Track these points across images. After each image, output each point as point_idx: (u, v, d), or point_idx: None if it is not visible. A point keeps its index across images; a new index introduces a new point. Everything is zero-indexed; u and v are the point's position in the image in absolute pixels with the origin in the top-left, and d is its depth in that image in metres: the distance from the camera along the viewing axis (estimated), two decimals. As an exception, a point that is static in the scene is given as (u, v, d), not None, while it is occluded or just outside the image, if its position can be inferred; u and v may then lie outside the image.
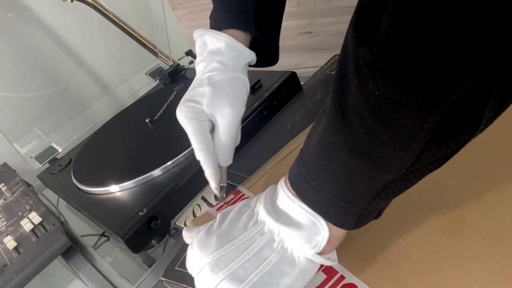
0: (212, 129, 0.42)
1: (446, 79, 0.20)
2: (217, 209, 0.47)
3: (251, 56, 0.44)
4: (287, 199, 0.31)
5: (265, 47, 0.47)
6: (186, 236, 0.36)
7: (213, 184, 0.41)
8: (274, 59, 0.50)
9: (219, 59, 0.42)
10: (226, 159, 0.42)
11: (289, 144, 0.52)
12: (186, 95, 0.43)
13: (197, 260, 0.32)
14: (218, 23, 0.44)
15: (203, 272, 0.31)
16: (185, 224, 0.48)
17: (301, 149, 0.31)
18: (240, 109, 0.41)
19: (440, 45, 0.19)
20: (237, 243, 0.31)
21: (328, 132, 0.27)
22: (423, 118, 0.22)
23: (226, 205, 0.47)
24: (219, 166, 0.42)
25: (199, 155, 0.40)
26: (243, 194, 0.47)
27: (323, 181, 0.28)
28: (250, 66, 0.46)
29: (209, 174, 0.41)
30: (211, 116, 0.41)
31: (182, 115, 0.41)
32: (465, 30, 0.19)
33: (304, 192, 0.30)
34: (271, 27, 0.46)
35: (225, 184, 0.43)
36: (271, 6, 0.46)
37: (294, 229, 0.30)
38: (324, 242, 0.29)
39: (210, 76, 0.41)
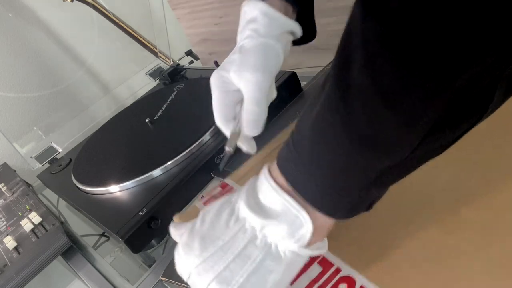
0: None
1: (459, 57, 0.19)
2: (204, 203, 0.46)
3: (287, 23, 0.40)
4: (270, 190, 0.30)
5: (303, 19, 0.44)
6: (174, 233, 0.35)
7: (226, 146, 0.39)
8: (312, 34, 0.47)
9: (252, 27, 0.40)
10: (251, 128, 0.39)
11: (280, 135, 0.52)
12: (222, 64, 0.42)
13: (184, 265, 0.31)
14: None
15: (192, 278, 0.30)
16: (172, 221, 0.48)
17: (292, 133, 0.30)
18: (264, 76, 0.39)
19: (455, 22, 0.19)
20: (220, 243, 0.30)
21: (325, 113, 0.26)
22: (432, 99, 0.21)
23: (213, 198, 0.46)
24: (247, 137, 0.41)
25: (217, 123, 0.41)
26: (232, 187, 0.47)
27: (316, 167, 0.28)
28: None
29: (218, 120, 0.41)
30: (238, 84, 0.39)
31: (212, 82, 0.41)
32: (480, 11, 0.18)
33: (295, 179, 0.29)
34: None
35: (236, 133, 0.41)
36: None
37: (276, 224, 0.29)
38: (308, 235, 0.29)
39: (242, 44, 0.40)
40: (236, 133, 0.40)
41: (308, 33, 0.45)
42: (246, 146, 0.41)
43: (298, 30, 0.42)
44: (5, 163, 0.80)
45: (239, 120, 0.40)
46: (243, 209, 0.31)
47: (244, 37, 0.40)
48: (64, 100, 0.94)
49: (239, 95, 0.40)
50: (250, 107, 0.39)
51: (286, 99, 0.61)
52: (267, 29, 0.40)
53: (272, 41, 0.40)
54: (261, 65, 0.39)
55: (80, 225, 0.62)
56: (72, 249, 0.55)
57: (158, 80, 0.87)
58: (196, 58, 0.86)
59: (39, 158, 0.74)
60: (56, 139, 0.78)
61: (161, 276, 0.43)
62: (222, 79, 0.40)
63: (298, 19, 0.42)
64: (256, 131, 0.40)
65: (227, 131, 0.41)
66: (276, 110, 0.60)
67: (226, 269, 0.29)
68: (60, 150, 0.75)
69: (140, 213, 0.47)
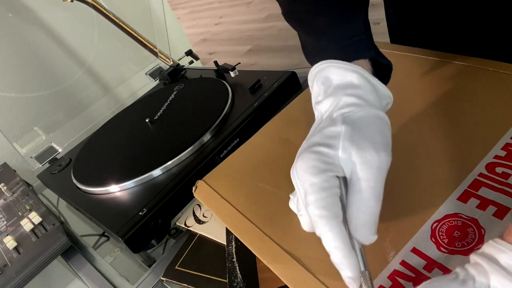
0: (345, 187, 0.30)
1: None
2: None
3: (387, 93, 0.34)
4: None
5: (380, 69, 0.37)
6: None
7: (347, 272, 0.27)
8: (387, 81, 0.38)
9: (354, 93, 0.32)
10: (367, 233, 0.28)
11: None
12: (312, 139, 0.31)
13: None
14: (333, 56, 0.35)
15: None
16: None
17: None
18: (387, 157, 0.29)
19: None
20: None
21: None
22: None
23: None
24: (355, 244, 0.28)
25: (323, 229, 0.27)
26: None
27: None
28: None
29: (340, 257, 0.27)
30: (346, 166, 0.29)
31: (307, 164, 0.29)
32: None
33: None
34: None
35: (366, 270, 0.27)
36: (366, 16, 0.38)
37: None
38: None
39: (345, 113, 0.31)
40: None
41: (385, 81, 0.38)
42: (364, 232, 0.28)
43: (392, 99, 0.35)
44: (5, 163, 0.80)
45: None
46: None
47: (343, 104, 0.32)
48: (64, 100, 0.94)
49: (341, 185, 0.30)
50: (369, 203, 0.28)
51: (286, 99, 0.61)
52: (374, 97, 0.33)
53: (384, 114, 0.32)
54: (382, 144, 0.30)
55: (80, 225, 0.62)
56: (72, 249, 0.55)
57: (158, 80, 0.87)
58: (196, 58, 0.86)
59: (39, 158, 0.74)
60: (56, 139, 0.78)
61: (162, 276, 0.43)
62: (325, 159, 0.29)
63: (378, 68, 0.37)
64: (374, 236, 0.28)
65: (351, 270, 0.27)
66: (276, 109, 0.60)
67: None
68: (60, 150, 0.75)
69: (140, 213, 0.47)
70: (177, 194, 0.49)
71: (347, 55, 0.34)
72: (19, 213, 0.61)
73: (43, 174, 0.71)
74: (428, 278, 0.28)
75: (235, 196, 0.42)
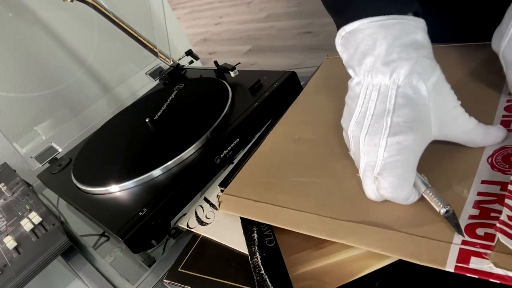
0: None
1: None
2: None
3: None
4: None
5: None
6: None
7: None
8: None
9: (426, 54, 0.32)
10: (492, 137, 0.35)
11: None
12: (396, 119, 0.32)
13: None
14: (384, 11, 0.31)
15: None
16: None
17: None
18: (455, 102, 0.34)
19: None
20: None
21: None
22: None
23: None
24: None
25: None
26: None
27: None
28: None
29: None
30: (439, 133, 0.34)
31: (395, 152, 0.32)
32: None
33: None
34: None
35: (448, 209, 0.31)
36: None
37: None
38: None
39: (416, 85, 0.32)
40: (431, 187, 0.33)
41: None
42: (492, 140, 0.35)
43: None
44: (5, 163, 0.80)
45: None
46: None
47: (422, 70, 0.32)
48: (64, 100, 0.94)
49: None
50: (474, 130, 0.34)
51: (286, 99, 0.61)
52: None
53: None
54: (450, 93, 0.34)
55: (80, 225, 0.62)
56: (72, 249, 0.55)
57: (158, 80, 0.87)
58: (196, 58, 0.86)
59: (39, 158, 0.74)
60: (56, 139, 0.78)
61: (165, 278, 0.43)
62: (416, 136, 0.32)
63: None
64: (503, 134, 0.36)
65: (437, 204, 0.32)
66: (276, 110, 0.60)
67: None
68: (60, 150, 0.75)
69: (140, 213, 0.47)
70: (177, 194, 0.49)
71: (397, 7, 0.31)
72: (19, 213, 0.61)
73: (43, 174, 0.71)
74: (509, 196, 0.29)
75: (271, 196, 0.42)
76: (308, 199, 0.39)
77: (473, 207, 0.31)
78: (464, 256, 0.28)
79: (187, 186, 0.50)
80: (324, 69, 0.62)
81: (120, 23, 0.82)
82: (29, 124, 0.86)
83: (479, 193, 0.32)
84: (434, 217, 0.32)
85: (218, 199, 0.46)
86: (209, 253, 0.44)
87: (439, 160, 0.37)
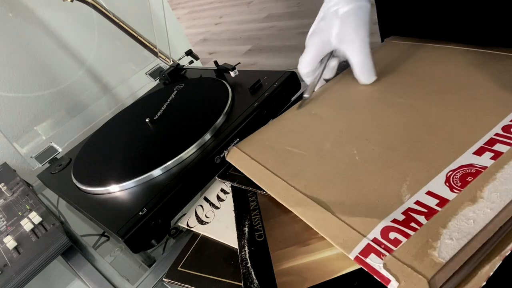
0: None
1: None
2: None
3: None
4: None
5: None
6: None
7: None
8: None
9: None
10: (365, 77, 0.49)
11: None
12: (317, 26, 0.50)
13: None
14: None
15: None
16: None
17: None
18: (364, 34, 0.48)
19: None
20: None
21: None
22: None
23: None
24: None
25: (302, 74, 0.54)
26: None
27: None
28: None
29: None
30: (338, 46, 0.49)
31: (310, 42, 0.50)
32: None
33: None
34: None
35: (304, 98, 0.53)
36: None
37: None
38: None
39: (337, 10, 0.48)
40: (315, 83, 0.53)
41: None
42: (364, 78, 0.50)
43: None
44: (5, 163, 0.80)
45: (319, 72, 0.52)
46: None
47: (336, 2, 0.48)
48: (64, 100, 0.94)
49: (328, 53, 0.51)
50: (359, 59, 0.48)
51: (286, 99, 0.61)
52: None
53: (364, 2, 0.47)
54: (361, 27, 0.47)
55: (80, 225, 0.62)
56: (72, 249, 0.55)
57: (158, 80, 0.87)
58: (196, 58, 0.86)
59: (39, 158, 0.74)
60: (56, 139, 0.78)
61: (164, 277, 0.43)
62: (322, 39, 0.49)
63: None
64: (371, 77, 0.50)
65: (309, 80, 0.53)
66: (276, 109, 0.60)
67: None
68: (60, 150, 0.75)
69: (140, 213, 0.47)
70: (177, 194, 0.49)
71: None
72: (19, 213, 0.61)
73: (43, 174, 0.71)
74: (438, 211, 0.31)
75: (264, 157, 0.47)
76: (287, 167, 0.44)
77: (402, 212, 0.33)
78: (367, 251, 0.31)
79: (187, 186, 0.50)
80: (381, 53, 0.59)
81: (120, 23, 0.82)
82: (29, 124, 0.86)
83: (417, 202, 0.33)
84: (369, 211, 0.34)
85: (228, 149, 0.52)
86: (209, 252, 0.44)
87: (406, 160, 0.38)
